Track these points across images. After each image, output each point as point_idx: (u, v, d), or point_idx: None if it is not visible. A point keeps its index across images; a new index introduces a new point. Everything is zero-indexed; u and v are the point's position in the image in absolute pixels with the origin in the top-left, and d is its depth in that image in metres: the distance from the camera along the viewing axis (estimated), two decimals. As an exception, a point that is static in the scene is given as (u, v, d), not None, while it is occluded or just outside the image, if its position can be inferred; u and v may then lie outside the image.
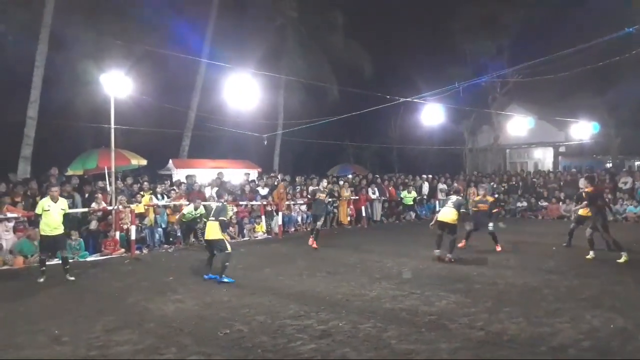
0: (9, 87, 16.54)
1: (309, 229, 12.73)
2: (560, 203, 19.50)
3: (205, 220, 9.06)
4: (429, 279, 8.45)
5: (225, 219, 8.79)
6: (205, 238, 8.84)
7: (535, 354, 4.83)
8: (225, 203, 9.09)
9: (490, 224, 11.42)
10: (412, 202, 19.83)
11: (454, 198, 10.51)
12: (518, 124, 22.03)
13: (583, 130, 22.09)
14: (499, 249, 11.18)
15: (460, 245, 11.16)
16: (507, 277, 8.41)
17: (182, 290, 7.90)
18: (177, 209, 13.41)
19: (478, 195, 12.38)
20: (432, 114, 16.37)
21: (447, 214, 10.27)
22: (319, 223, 12.63)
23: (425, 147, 28.38)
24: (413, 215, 19.88)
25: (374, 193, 18.92)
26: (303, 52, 22.29)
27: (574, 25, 21.04)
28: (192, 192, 14.27)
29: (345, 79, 22.64)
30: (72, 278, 9.00)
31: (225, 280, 8.27)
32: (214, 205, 9.09)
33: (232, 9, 21.26)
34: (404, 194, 19.74)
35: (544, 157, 30.52)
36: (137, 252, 11.93)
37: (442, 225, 10.31)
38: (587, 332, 5.47)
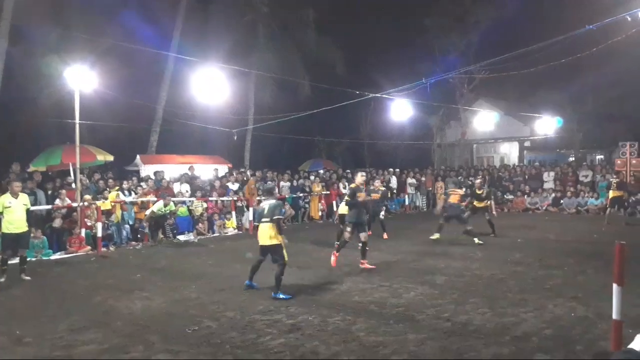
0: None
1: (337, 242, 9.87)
2: (526, 196, 20.00)
3: (256, 223, 7.52)
4: (398, 271, 8.56)
5: (281, 217, 7.39)
6: (260, 244, 7.30)
7: (499, 343, 4.95)
8: (279, 200, 7.66)
9: (382, 213, 13.24)
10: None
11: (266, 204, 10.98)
12: (484, 120, 22.57)
13: (547, 125, 22.77)
14: (385, 236, 12.55)
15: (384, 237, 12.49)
16: (473, 269, 8.59)
17: (149, 288, 7.78)
18: (144, 205, 13.19)
19: (373, 185, 13.57)
20: (401, 110, 16.55)
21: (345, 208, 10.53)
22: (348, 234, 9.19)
23: (396, 142, 28.66)
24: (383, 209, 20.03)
25: (344, 188, 18.99)
26: (274, 47, 22.12)
27: (540, 23, 21.54)
28: (161, 188, 14.07)
29: (317, 75, 22.64)
30: (28, 278, 8.72)
31: (282, 296, 6.89)
32: (265, 204, 7.42)
33: (201, 2, 20.98)
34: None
35: (509, 152, 31.27)
36: (104, 249, 11.68)
37: (342, 217, 10.69)
38: (550, 321, 5.64)
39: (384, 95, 16.21)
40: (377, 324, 5.67)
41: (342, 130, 29.63)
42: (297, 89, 22.88)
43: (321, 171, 21.85)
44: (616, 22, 9.69)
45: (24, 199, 8.95)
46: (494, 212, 13.17)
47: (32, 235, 10.35)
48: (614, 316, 4.37)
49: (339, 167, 23.79)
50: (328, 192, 18.18)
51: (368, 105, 26.64)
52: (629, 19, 9.26)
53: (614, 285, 4.35)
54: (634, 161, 18.85)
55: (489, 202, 13.00)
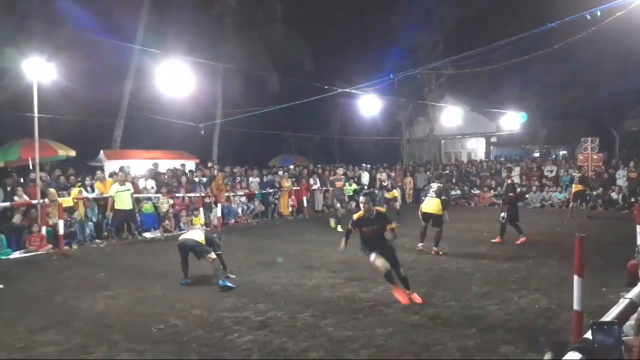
0: None
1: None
2: (492, 191, 20.38)
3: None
4: (367, 266, 8.53)
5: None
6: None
7: (466, 336, 5.01)
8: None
9: None
10: (352, 193, 20.06)
11: (435, 186, 9.80)
12: (452, 115, 22.89)
13: (512, 120, 23.24)
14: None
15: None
16: (441, 263, 8.69)
17: (113, 286, 7.58)
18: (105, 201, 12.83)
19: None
20: (369, 105, 16.62)
21: (431, 204, 9.60)
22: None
23: (365, 137, 28.79)
24: (354, 205, 20.08)
25: (315, 183, 18.98)
26: (242, 41, 21.83)
27: (505, 20, 21.90)
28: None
29: (285, 70, 22.50)
30: (1, 286, 7.91)
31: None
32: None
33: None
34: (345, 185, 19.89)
35: (476, 147, 31.83)
36: (66, 247, 11.33)
37: (427, 216, 9.66)
38: (515, 312, 5.74)
39: (352, 90, 16.20)
40: (346, 318, 5.66)
41: (313, 125, 29.61)
42: (265, 83, 22.70)
43: (291, 166, 21.76)
44: (578, 20, 9.91)
45: None
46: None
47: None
48: (575, 307, 4.45)
49: (309, 163, 23.73)
50: (299, 188, 18.09)
51: (338, 101, 26.69)
52: (589, 17, 9.49)
53: (575, 277, 4.42)
54: (594, 156, 19.42)
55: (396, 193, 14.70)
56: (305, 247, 10.81)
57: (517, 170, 21.04)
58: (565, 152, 29.60)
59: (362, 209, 6.28)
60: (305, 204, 18.05)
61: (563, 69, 22.68)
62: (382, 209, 6.61)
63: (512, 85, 24.91)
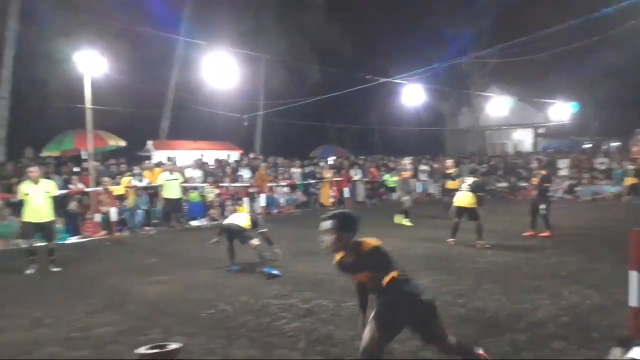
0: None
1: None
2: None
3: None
4: (411, 258, 8.52)
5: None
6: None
7: (515, 329, 4.92)
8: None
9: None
10: (394, 184, 19.92)
11: (470, 180, 9.71)
12: (497, 106, 22.34)
13: (562, 111, 22.44)
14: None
15: None
16: (487, 256, 8.53)
17: (164, 272, 7.86)
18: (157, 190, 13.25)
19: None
20: (412, 95, 16.40)
21: (463, 197, 9.50)
22: None
23: (407, 128, 28.45)
24: (395, 196, 19.94)
25: (356, 174, 18.95)
26: (283, 31, 21.97)
27: (554, 5, 21.06)
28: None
29: (326, 60, 22.47)
30: (58, 269, 8.31)
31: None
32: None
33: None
34: (386, 177, 19.78)
35: (523, 138, 30.95)
36: (118, 234, 11.79)
37: (460, 210, 9.56)
38: (566, 308, 5.58)
39: (395, 80, 16.04)
40: (392, 309, 5.65)
41: (353, 116, 29.48)
42: (306, 74, 22.76)
43: (332, 158, 21.79)
44: (634, 4, 9.46)
45: (46, 185, 8.47)
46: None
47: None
48: (632, 303, 4.30)
49: (350, 154, 23.70)
50: (340, 179, 18.09)
51: (379, 91, 26.42)
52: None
53: (632, 272, 4.28)
54: (650, 148, 18.50)
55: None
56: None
57: (566, 162, 20.35)
58: (618, 143, 28.36)
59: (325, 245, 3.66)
60: (346, 195, 18.05)
61: (617, 56, 21.65)
62: (372, 244, 3.49)
63: (562, 74, 24.00)
